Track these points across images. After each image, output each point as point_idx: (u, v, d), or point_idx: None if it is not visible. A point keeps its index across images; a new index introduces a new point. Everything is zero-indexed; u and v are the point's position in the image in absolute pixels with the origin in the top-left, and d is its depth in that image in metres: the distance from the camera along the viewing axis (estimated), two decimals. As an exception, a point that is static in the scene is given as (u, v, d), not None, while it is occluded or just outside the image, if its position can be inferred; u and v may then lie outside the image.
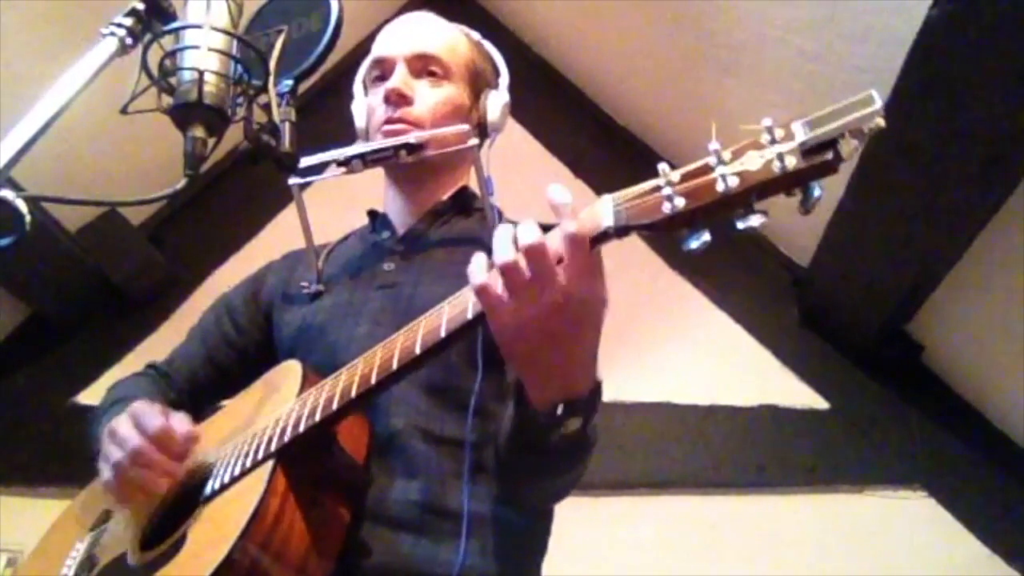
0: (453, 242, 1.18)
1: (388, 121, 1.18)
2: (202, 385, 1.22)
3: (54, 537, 1.18)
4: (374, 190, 1.30)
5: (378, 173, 1.26)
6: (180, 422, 0.97)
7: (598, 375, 0.83)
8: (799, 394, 2.42)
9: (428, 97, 1.20)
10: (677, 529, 2.28)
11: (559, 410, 0.80)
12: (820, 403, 2.40)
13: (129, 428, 0.96)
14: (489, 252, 1.11)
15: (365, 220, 1.30)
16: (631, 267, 2.44)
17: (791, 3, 1.99)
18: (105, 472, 0.98)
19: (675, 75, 2.49)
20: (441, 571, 0.93)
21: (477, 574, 0.95)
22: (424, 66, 1.21)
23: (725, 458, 2.35)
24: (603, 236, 0.73)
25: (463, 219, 1.23)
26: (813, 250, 2.34)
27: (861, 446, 2.34)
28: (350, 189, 1.30)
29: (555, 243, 0.74)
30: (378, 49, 1.25)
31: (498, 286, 0.75)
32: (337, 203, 1.54)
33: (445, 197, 1.23)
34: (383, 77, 1.22)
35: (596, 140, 2.78)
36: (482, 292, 0.76)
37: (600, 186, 2.64)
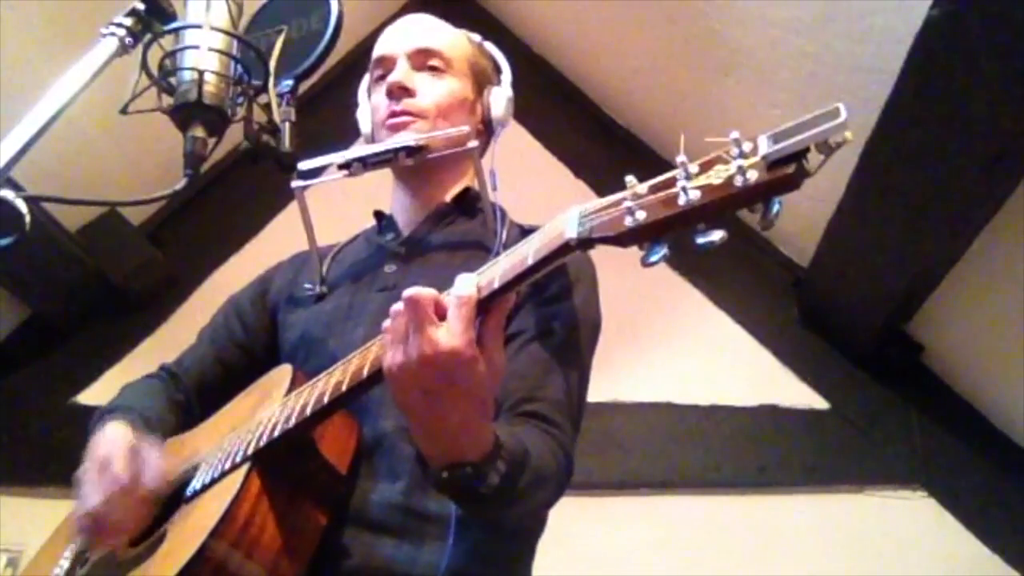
0: (454, 245, 1.18)
1: (392, 114, 1.18)
2: (211, 385, 1.22)
3: (55, 537, 1.19)
4: (383, 189, 1.30)
5: (387, 172, 1.26)
6: (149, 464, 0.97)
7: (490, 442, 0.81)
8: (799, 394, 2.42)
9: (431, 89, 1.20)
10: (677, 529, 2.28)
11: (444, 474, 0.79)
12: (820, 403, 2.40)
13: (96, 476, 0.97)
14: (488, 253, 1.11)
15: (372, 219, 1.30)
16: (630, 267, 2.42)
17: (791, 3, 1.99)
18: (76, 515, 0.99)
19: (675, 75, 2.49)
20: (423, 573, 0.93)
21: None
22: (425, 60, 1.21)
23: (725, 458, 2.35)
24: (565, 248, 0.73)
25: (466, 220, 1.22)
26: (813, 250, 2.33)
27: (861, 446, 2.34)
28: (357, 189, 1.30)
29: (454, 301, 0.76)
30: (379, 49, 1.25)
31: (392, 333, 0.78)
32: (343, 203, 1.54)
33: (448, 198, 1.23)
34: (385, 76, 1.22)
35: (596, 140, 2.78)
36: (384, 332, 0.79)
37: (600, 186, 2.65)
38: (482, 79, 1.26)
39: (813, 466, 2.33)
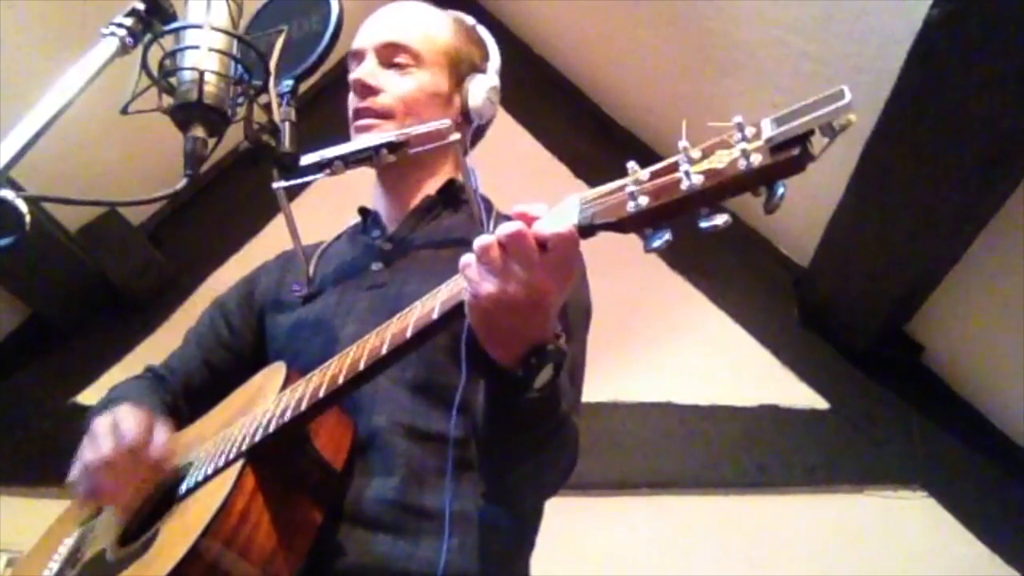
0: (439, 242, 1.17)
1: (356, 113, 1.18)
2: (198, 387, 1.22)
3: (50, 534, 1.20)
4: (370, 186, 1.29)
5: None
6: (159, 436, 0.98)
7: (557, 328, 0.85)
8: (799, 394, 2.42)
9: (396, 86, 1.18)
10: (677, 529, 2.28)
11: (532, 360, 0.82)
12: (820, 403, 2.40)
13: (107, 433, 0.97)
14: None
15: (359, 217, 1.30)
16: (631, 267, 2.44)
17: (791, 3, 1.99)
18: (74, 470, 0.98)
19: (675, 75, 2.49)
20: (419, 570, 0.93)
21: (458, 572, 0.94)
22: (392, 55, 1.19)
23: (725, 458, 2.35)
24: None
25: (451, 214, 1.22)
26: (813, 250, 2.33)
27: (861, 446, 2.34)
28: (346, 185, 1.30)
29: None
30: (353, 43, 1.24)
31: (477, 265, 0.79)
32: (333, 200, 1.54)
33: (432, 192, 1.22)
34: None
35: (596, 140, 2.78)
36: (465, 268, 0.80)
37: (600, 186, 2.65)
38: (462, 68, 1.23)
39: (813, 466, 2.33)
